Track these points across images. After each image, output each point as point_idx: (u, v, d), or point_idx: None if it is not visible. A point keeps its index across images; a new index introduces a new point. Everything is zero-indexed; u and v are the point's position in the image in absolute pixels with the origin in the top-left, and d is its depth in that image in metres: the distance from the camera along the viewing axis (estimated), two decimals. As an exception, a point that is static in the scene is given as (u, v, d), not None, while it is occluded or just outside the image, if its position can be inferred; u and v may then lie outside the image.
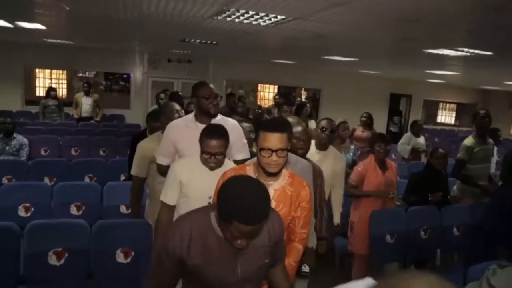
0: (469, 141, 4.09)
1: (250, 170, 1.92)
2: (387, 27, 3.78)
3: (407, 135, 6.65)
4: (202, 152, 2.12)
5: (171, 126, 2.62)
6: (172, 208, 2.24)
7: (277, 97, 8.75)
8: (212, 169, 2.17)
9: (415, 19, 3.23)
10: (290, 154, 2.39)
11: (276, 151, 1.75)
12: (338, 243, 3.82)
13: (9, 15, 4.85)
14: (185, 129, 2.54)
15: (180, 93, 5.92)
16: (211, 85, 2.57)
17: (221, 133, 2.13)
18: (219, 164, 2.17)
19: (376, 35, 4.25)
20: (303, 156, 2.64)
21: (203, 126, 2.43)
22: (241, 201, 1.30)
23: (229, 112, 5.71)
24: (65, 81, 14.82)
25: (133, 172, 3.00)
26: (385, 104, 12.73)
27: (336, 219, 3.29)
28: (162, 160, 2.65)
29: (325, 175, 2.77)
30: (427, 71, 8.50)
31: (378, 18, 3.35)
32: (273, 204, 1.83)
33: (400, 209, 3.67)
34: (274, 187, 1.89)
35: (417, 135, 6.49)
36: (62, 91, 14.03)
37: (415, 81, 12.29)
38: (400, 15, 3.18)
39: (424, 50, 5.07)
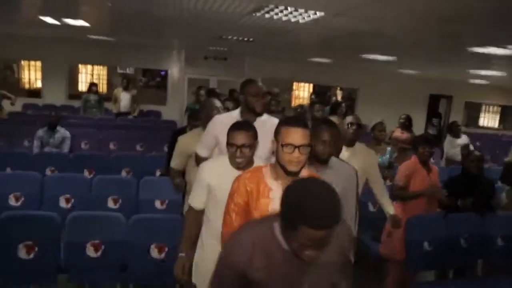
0: None
1: (266, 172, 1.82)
2: (429, 23, 3.62)
3: (449, 138, 6.47)
4: (228, 145, 2.05)
5: (215, 120, 2.62)
6: (199, 213, 2.18)
7: (313, 96, 8.70)
8: (239, 167, 2.06)
9: (460, 15, 3.07)
10: (333, 158, 2.34)
11: (299, 147, 1.66)
12: (373, 246, 3.71)
13: (56, 12, 5.04)
14: (228, 124, 2.49)
15: (217, 90, 5.97)
16: (260, 83, 2.53)
17: (247, 125, 2.08)
18: (247, 160, 2.06)
19: (417, 32, 4.10)
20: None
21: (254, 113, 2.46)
22: (308, 202, 1.17)
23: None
24: (105, 77, 15.41)
25: (172, 164, 3.10)
26: (423, 105, 12.30)
27: (391, 210, 3.18)
28: (201, 151, 2.67)
29: None
30: (471, 71, 8.12)
31: (419, 14, 3.22)
32: None
33: (439, 216, 3.52)
34: None
35: (457, 136, 6.38)
36: (103, 87, 14.59)
37: (456, 81, 11.78)
38: (443, 11, 3.04)
39: (468, 49, 4.83)
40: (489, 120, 15.11)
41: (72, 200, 3.62)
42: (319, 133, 2.20)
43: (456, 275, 3.62)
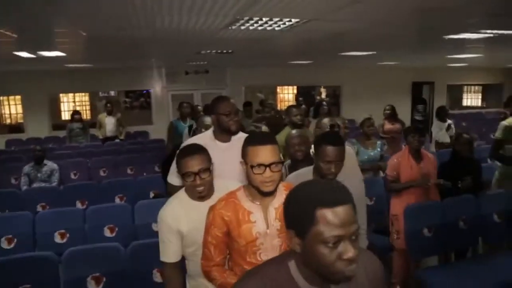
0: (508, 120, 4.03)
1: (241, 195, 1.71)
2: (405, 18, 3.67)
3: (436, 122, 6.61)
4: (183, 176, 1.83)
5: (190, 141, 2.51)
6: (177, 265, 1.93)
7: (301, 98, 8.74)
8: (202, 197, 1.87)
9: (434, 7, 3.12)
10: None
11: (269, 165, 1.56)
12: (378, 240, 3.71)
13: (31, 46, 5.01)
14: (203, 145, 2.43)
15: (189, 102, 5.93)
16: (232, 100, 2.44)
17: (198, 148, 1.88)
18: (208, 186, 1.86)
19: (394, 27, 4.15)
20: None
21: (223, 144, 2.36)
22: (314, 187, 1.08)
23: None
24: (88, 103, 15.29)
25: (169, 179, 2.96)
26: (407, 93, 12.45)
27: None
28: (174, 179, 2.45)
29: None
30: (449, 56, 8.25)
31: (395, 11, 3.26)
32: (277, 225, 1.68)
33: (436, 202, 3.55)
34: (273, 206, 1.70)
35: (444, 120, 6.55)
36: (86, 113, 14.46)
37: (437, 67, 11.96)
38: (418, 5, 3.08)
39: (444, 37, 4.91)
40: (472, 100, 15.35)
41: (68, 235, 3.57)
42: (322, 153, 2.09)
43: (458, 257, 3.65)
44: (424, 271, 3.28)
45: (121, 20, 3.51)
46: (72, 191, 4.74)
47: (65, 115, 13.65)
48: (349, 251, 1.01)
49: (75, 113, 8.19)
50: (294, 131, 3.14)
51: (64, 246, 3.22)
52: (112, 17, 3.37)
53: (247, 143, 1.65)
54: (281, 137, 3.75)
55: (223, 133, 2.39)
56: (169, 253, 1.90)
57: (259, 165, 1.57)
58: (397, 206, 3.51)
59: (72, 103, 14.57)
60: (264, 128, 3.35)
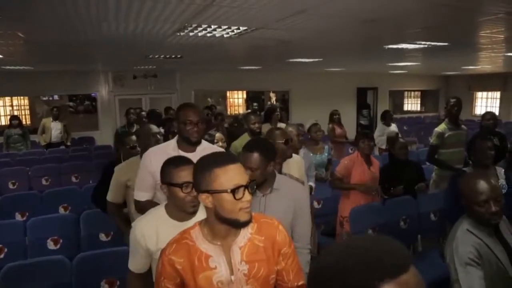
0: (440, 127, 4.32)
1: (196, 234, 1.40)
2: (348, 29, 3.86)
3: (380, 126, 6.90)
4: (175, 187, 1.66)
5: (149, 154, 2.32)
6: (143, 276, 1.81)
7: (255, 104, 8.84)
8: (193, 213, 1.71)
9: (375, 19, 3.32)
10: (279, 178, 2.11)
11: (247, 186, 1.30)
12: (327, 242, 3.85)
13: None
14: (166, 157, 2.14)
15: (158, 111, 5.78)
16: (195, 109, 2.27)
17: (187, 160, 1.73)
18: (196, 203, 1.67)
19: (339, 37, 4.34)
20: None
21: (187, 155, 2.12)
22: (369, 251, 0.71)
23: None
24: (27, 107, 14.38)
25: (109, 197, 2.89)
26: (353, 98, 12.99)
27: None
28: (139, 195, 2.32)
29: None
30: (390, 64, 8.73)
31: (339, 21, 3.42)
32: (244, 269, 1.38)
33: (379, 203, 3.76)
34: (238, 245, 1.39)
35: (389, 124, 6.79)
36: (26, 118, 13.61)
37: (380, 73, 12.61)
38: (360, 17, 3.26)
39: (385, 46, 5.22)
40: (412, 104, 16.31)
41: (5, 250, 3.32)
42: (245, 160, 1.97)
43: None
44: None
45: (63, 24, 3.38)
46: (11, 202, 4.43)
47: (2, 120, 12.80)
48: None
49: (13, 118, 7.67)
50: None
51: (2, 261, 3.02)
52: (53, 20, 3.23)
53: (208, 166, 1.30)
54: (237, 144, 3.76)
55: (185, 142, 2.27)
56: (134, 263, 1.78)
57: (239, 187, 1.27)
58: (346, 208, 3.66)
59: (9, 107, 13.68)
60: (218, 135, 3.36)
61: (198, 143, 2.29)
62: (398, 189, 3.80)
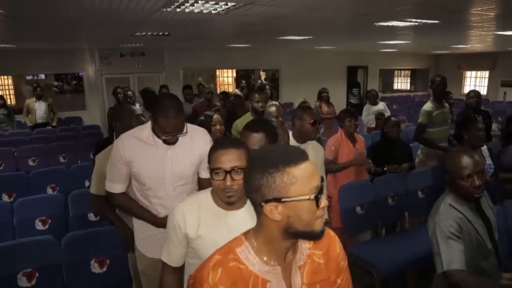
0: (428, 106, 4.32)
1: (245, 253, 1.08)
2: (339, 6, 3.80)
3: (366, 106, 6.95)
4: (211, 173, 1.46)
5: (121, 139, 2.05)
6: (177, 270, 1.62)
7: (243, 81, 8.76)
8: (230, 203, 1.48)
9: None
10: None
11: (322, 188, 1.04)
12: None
13: None
14: (141, 145, 2.00)
15: (152, 89, 5.60)
16: (176, 119, 1.89)
17: (235, 142, 1.54)
18: (239, 192, 1.44)
19: (329, 13, 4.27)
20: None
21: (164, 144, 1.99)
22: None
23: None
24: (11, 87, 14.04)
25: (92, 189, 2.60)
26: (343, 77, 12.96)
27: None
28: (113, 187, 2.09)
29: None
30: (380, 42, 8.68)
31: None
32: None
33: (367, 181, 3.80)
34: (297, 263, 1.12)
35: (374, 103, 6.81)
36: (11, 98, 13.31)
37: (370, 52, 12.55)
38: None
39: (375, 24, 5.16)
40: (402, 83, 16.33)
41: (-7, 230, 3.33)
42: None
43: (388, 231, 3.94)
44: (358, 246, 3.51)
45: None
46: (-2, 183, 4.40)
47: (-14, 100, 12.47)
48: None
49: (-2, 98, 7.52)
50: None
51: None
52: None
53: (272, 165, 0.99)
54: (239, 123, 3.69)
55: None
56: (169, 254, 1.59)
57: (315, 187, 1.00)
58: (332, 187, 3.70)
59: (-7, 87, 13.34)
60: (216, 117, 3.17)
61: (174, 142, 2.01)
62: (393, 167, 3.83)
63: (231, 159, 1.42)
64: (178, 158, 2.03)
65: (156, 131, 1.96)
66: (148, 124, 2.05)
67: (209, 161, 1.47)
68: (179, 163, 2.04)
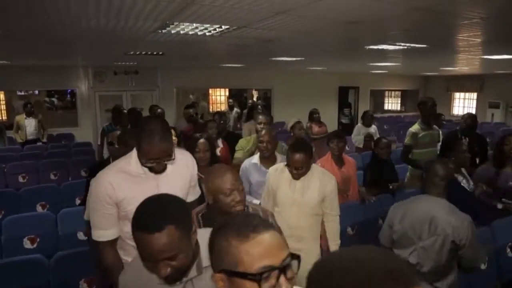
0: (414, 127, 4.42)
1: None
2: (330, 30, 3.90)
3: (358, 126, 6.96)
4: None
5: (108, 179, 1.78)
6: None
7: (230, 100, 8.79)
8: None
9: (356, 21, 3.36)
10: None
11: (284, 269, 0.89)
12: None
13: None
14: (131, 180, 1.80)
15: (138, 109, 5.56)
16: (161, 144, 1.70)
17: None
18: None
19: (320, 37, 4.38)
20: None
21: (153, 174, 1.82)
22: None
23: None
24: (3, 102, 13.93)
25: (86, 216, 2.41)
26: (334, 97, 13.12)
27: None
28: (105, 234, 1.79)
29: None
30: (371, 64, 8.86)
31: (321, 23, 3.45)
32: None
33: (357, 203, 3.81)
34: None
35: (369, 125, 6.78)
36: (2, 113, 13.19)
37: (361, 73, 12.77)
38: (341, 20, 3.30)
39: (365, 47, 5.29)
40: (392, 104, 16.56)
41: (-19, 249, 3.29)
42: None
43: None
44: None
45: (41, 19, 3.30)
46: (-14, 200, 4.36)
47: (-24, 116, 12.38)
48: None
49: (-11, 114, 7.49)
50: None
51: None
52: (30, 14, 3.15)
53: (222, 233, 0.92)
54: (243, 143, 3.90)
55: None
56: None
57: (267, 270, 0.85)
58: None
59: (-16, 103, 13.23)
60: (201, 142, 3.01)
61: (163, 171, 1.84)
62: (398, 184, 3.96)
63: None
64: (168, 188, 1.69)
65: (140, 157, 1.77)
66: (133, 154, 1.83)
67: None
68: (171, 188, 1.78)
